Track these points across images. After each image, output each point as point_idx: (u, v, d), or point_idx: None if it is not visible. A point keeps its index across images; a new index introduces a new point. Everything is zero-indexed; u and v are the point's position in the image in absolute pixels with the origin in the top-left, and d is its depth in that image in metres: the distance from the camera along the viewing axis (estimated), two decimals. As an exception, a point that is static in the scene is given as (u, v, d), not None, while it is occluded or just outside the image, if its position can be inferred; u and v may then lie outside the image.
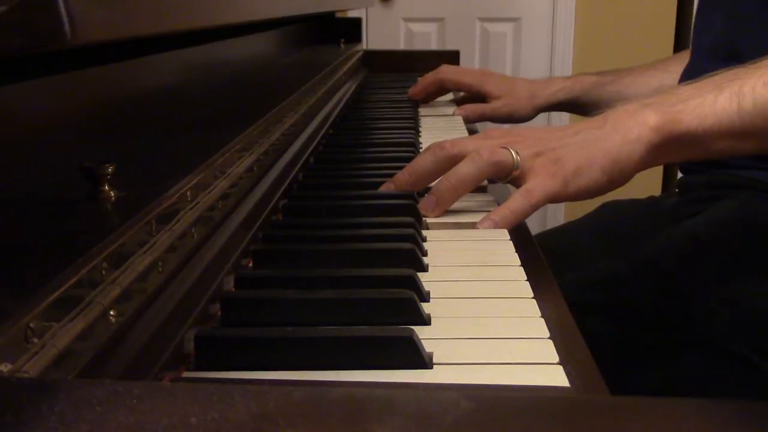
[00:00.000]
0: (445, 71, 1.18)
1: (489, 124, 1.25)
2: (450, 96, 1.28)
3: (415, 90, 1.21)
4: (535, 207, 0.59)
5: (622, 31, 2.55)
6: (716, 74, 0.64)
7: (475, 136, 0.67)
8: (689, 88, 0.63)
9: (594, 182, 0.59)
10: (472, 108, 1.13)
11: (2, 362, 0.27)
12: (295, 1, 0.96)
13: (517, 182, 0.61)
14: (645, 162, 0.60)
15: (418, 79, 1.24)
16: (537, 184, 0.59)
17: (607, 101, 1.06)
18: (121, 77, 0.55)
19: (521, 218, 0.60)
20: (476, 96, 1.15)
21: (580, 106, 1.11)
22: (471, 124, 1.11)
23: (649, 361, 0.75)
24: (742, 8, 0.83)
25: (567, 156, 0.59)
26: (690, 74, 0.86)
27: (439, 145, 0.64)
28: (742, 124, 0.60)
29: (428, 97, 1.21)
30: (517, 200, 0.59)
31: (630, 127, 0.60)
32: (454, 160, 0.62)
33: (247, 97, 0.83)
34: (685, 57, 1.03)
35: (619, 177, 0.60)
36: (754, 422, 0.23)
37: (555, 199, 0.59)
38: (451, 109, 1.15)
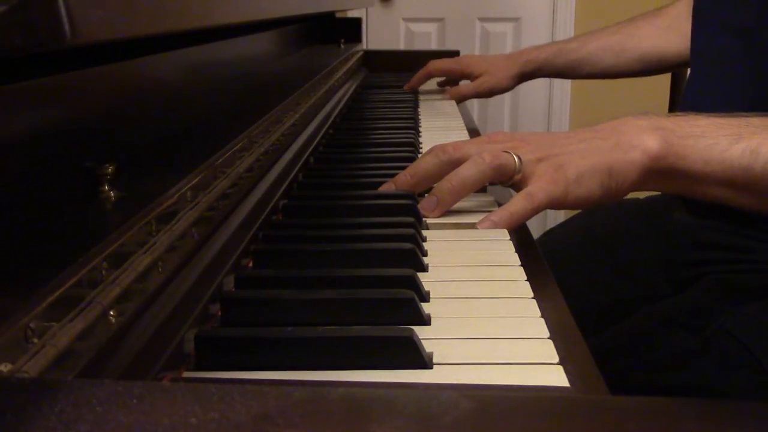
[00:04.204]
0: (433, 64, 1.34)
1: (491, 126, 1.30)
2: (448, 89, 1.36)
3: (408, 85, 1.37)
4: (535, 210, 0.59)
5: (622, 31, 2.55)
6: (742, 116, 0.61)
7: (479, 139, 0.67)
8: (707, 122, 0.61)
9: (591, 193, 0.58)
10: (456, 90, 1.31)
11: (2, 362, 0.27)
12: (295, 1, 0.96)
13: (518, 186, 0.61)
14: (638, 185, 0.60)
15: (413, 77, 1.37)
16: (539, 188, 0.59)
17: (575, 66, 1.23)
18: (121, 77, 0.55)
19: (521, 221, 0.60)
20: (461, 78, 1.34)
21: (552, 73, 1.27)
22: (460, 102, 1.29)
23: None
24: None
25: (569, 163, 0.59)
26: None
27: (441, 148, 0.64)
28: (746, 181, 0.59)
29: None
30: (518, 202, 0.59)
31: (633, 146, 0.59)
32: (456, 164, 0.62)
33: (247, 97, 0.83)
34: (656, 16, 1.13)
35: (614, 192, 0.59)
36: (754, 422, 0.23)
37: (556, 204, 0.59)
38: (449, 108, 1.19)
